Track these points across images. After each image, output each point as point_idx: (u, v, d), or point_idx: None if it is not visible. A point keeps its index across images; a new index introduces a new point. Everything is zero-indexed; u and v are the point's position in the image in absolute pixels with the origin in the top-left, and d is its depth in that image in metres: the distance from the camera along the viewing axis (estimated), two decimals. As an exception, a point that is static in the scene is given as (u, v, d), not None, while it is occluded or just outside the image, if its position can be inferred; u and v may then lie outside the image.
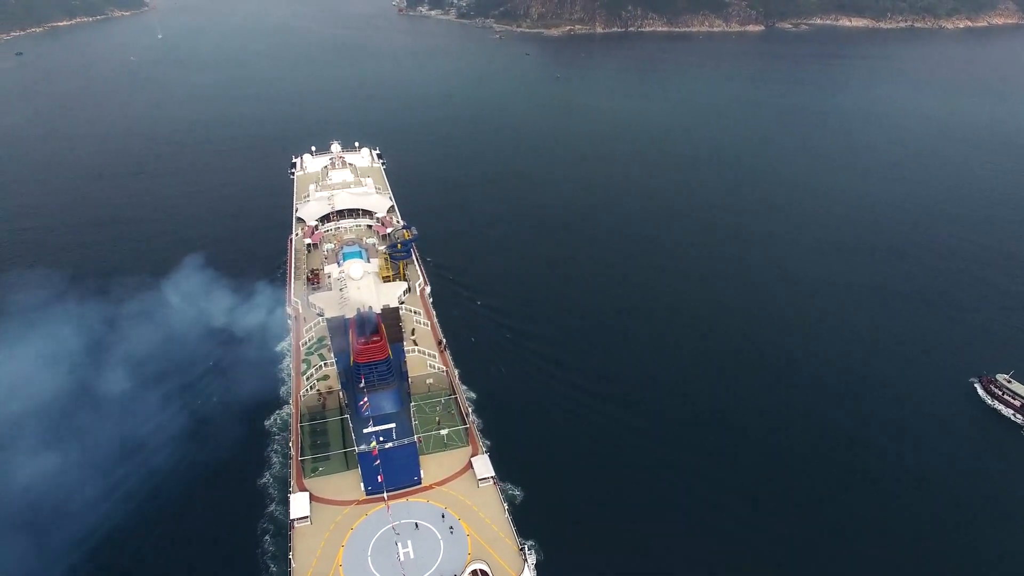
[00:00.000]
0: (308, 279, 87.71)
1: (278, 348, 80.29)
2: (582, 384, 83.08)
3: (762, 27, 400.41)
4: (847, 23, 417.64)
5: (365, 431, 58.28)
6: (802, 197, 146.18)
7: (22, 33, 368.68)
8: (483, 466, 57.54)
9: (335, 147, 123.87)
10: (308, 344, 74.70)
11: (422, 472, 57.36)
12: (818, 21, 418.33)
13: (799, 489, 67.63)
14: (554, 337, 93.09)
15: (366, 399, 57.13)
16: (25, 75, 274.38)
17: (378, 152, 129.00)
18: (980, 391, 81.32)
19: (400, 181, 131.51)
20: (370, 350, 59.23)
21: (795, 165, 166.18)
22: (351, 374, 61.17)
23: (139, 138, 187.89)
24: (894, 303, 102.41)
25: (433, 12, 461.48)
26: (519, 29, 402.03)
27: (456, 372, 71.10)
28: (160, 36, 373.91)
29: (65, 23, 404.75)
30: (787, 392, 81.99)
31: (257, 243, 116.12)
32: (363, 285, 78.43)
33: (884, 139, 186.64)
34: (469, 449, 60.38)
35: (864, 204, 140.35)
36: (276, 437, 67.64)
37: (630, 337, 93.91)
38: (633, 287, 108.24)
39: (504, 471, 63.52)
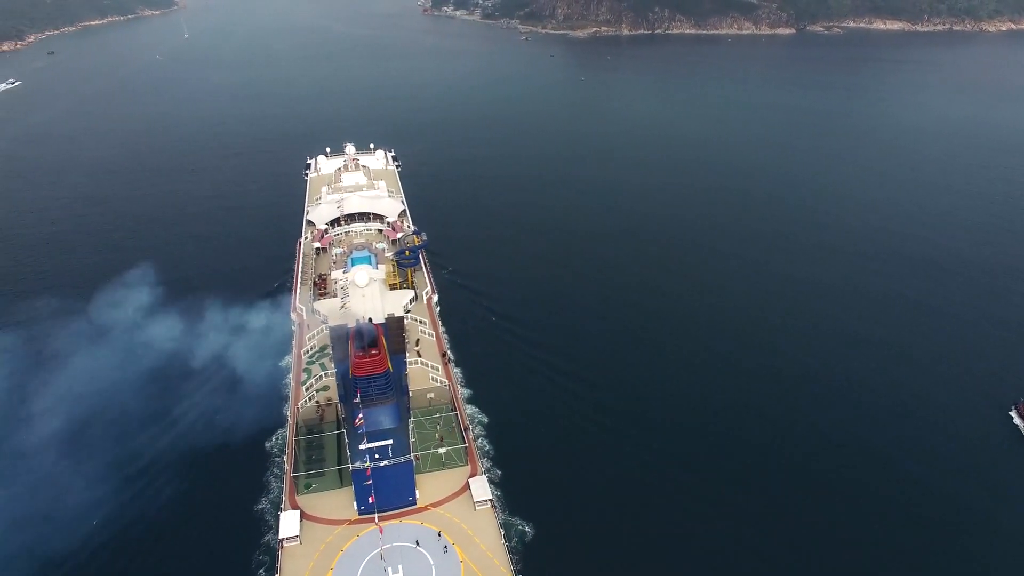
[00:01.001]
0: (315, 284, 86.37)
1: (283, 362, 77.33)
2: (605, 411, 77.10)
3: (792, 30, 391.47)
4: (881, 26, 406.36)
5: (361, 447, 56.45)
6: (835, 207, 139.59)
7: (56, 32, 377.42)
8: (481, 488, 55.15)
9: (349, 149, 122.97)
10: (310, 353, 73.19)
11: (417, 492, 55.30)
12: (851, 24, 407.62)
13: (828, 512, 63.95)
14: (577, 357, 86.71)
15: (361, 415, 55.03)
16: (54, 75, 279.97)
17: (393, 154, 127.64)
18: (1016, 418, 76.57)
19: (416, 184, 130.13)
20: (368, 363, 57.18)
21: (828, 174, 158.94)
22: (349, 386, 59.28)
23: (157, 137, 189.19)
24: (933, 320, 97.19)
25: (458, 12, 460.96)
26: (544, 30, 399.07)
27: (459, 387, 68.98)
28: (186, 36, 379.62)
29: (97, 22, 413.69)
30: (819, 410, 77.83)
31: (268, 246, 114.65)
32: (368, 293, 76.86)
33: (926, 149, 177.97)
34: (468, 469, 58.08)
35: (903, 216, 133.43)
36: (276, 459, 65.11)
37: (663, 359, 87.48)
38: (666, 303, 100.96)
39: (507, 497, 61.36)
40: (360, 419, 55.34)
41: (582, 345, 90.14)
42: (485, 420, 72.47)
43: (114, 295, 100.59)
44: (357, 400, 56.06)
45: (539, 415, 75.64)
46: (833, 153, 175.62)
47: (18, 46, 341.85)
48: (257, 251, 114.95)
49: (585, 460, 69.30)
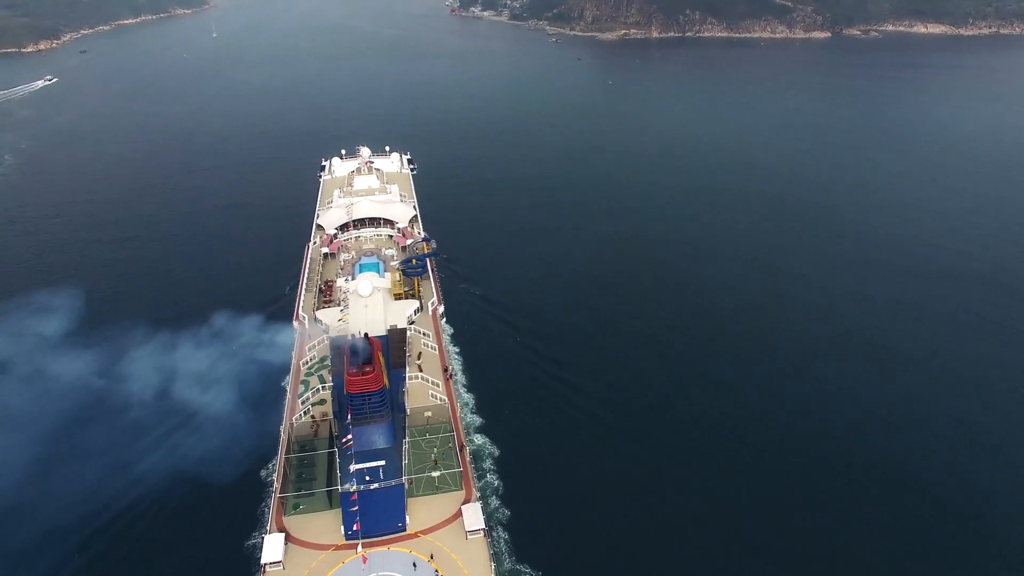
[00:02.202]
0: (321, 291, 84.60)
1: (284, 382, 72.75)
2: (632, 442, 71.60)
3: (828, 34, 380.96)
4: (923, 30, 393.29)
5: (352, 468, 54.25)
6: (873, 216, 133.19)
7: (91, 31, 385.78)
8: (474, 516, 52.42)
9: (364, 151, 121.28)
10: (309, 364, 71.29)
11: (408, 518, 52.80)
12: (890, 27, 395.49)
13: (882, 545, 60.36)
14: (599, 377, 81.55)
15: (349, 436, 52.74)
16: (85, 73, 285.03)
17: (409, 157, 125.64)
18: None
19: (431, 189, 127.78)
20: (362, 381, 54.87)
21: (866, 183, 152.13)
22: (344, 402, 57.08)
23: (177, 137, 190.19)
24: (987, 336, 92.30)
25: (486, 13, 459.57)
26: (572, 32, 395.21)
27: (459, 405, 66.28)
28: (215, 35, 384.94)
29: (130, 21, 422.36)
30: (881, 436, 73.87)
31: (281, 248, 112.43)
32: (371, 303, 74.37)
33: (976, 159, 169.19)
34: (462, 494, 55.37)
35: (953, 230, 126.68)
36: (270, 491, 62.51)
37: (703, 387, 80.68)
38: (704, 322, 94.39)
39: (511, 535, 58.24)
40: (348, 440, 53.11)
41: (606, 365, 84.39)
42: (496, 452, 67.70)
43: (117, 297, 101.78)
44: (347, 421, 53.88)
45: (555, 447, 70.02)
46: (873, 162, 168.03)
47: (54, 44, 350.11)
48: (270, 253, 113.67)
49: (605, 505, 62.82)
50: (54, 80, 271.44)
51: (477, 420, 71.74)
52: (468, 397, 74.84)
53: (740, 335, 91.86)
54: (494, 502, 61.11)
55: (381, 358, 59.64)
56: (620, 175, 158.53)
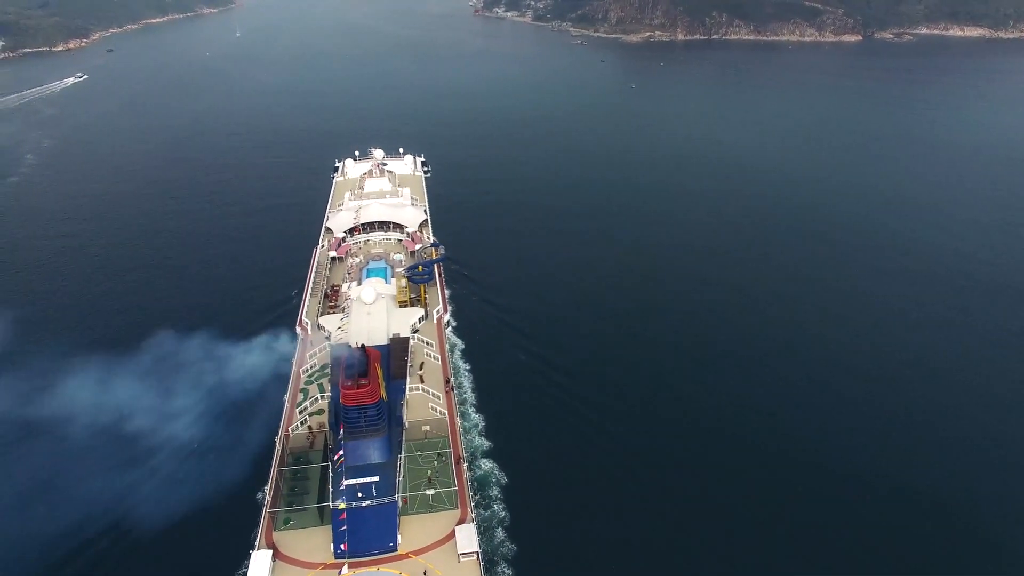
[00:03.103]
0: (326, 296, 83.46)
1: (285, 397, 68.50)
2: (656, 475, 66.31)
3: (859, 37, 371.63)
4: (958, 33, 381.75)
5: (345, 483, 52.74)
6: (907, 227, 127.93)
7: (119, 30, 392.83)
8: (467, 537, 50.41)
9: (378, 153, 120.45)
10: (310, 372, 69.93)
11: (400, 537, 51.03)
12: (924, 31, 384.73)
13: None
14: (616, 395, 77.21)
15: (341, 452, 51.17)
16: (109, 72, 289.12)
17: (423, 160, 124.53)
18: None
19: (445, 192, 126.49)
20: (357, 394, 53.33)
21: (903, 196, 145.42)
22: (340, 414, 55.55)
23: (196, 137, 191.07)
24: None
25: (509, 14, 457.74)
26: (596, 34, 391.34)
27: (459, 420, 64.26)
28: (238, 34, 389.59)
29: (158, 20, 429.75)
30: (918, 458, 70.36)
31: (290, 253, 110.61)
32: (374, 311, 73.11)
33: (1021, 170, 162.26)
34: (457, 514, 53.39)
35: (993, 244, 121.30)
36: (262, 505, 60.65)
37: (741, 415, 75.28)
38: (734, 346, 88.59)
39: (514, 569, 55.44)
40: (340, 456, 51.55)
41: (631, 386, 79.50)
42: (504, 480, 63.82)
43: (119, 297, 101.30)
44: (340, 436, 52.36)
45: (570, 478, 65.20)
46: (909, 171, 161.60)
47: (83, 43, 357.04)
48: (281, 254, 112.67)
49: (627, 555, 58.24)
50: (84, 77, 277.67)
51: (485, 443, 67.97)
52: (477, 418, 71.47)
53: (781, 353, 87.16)
54: (499, 534, 57.83)
55: (379, 370, 58.15)
56: (643, 181, 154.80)
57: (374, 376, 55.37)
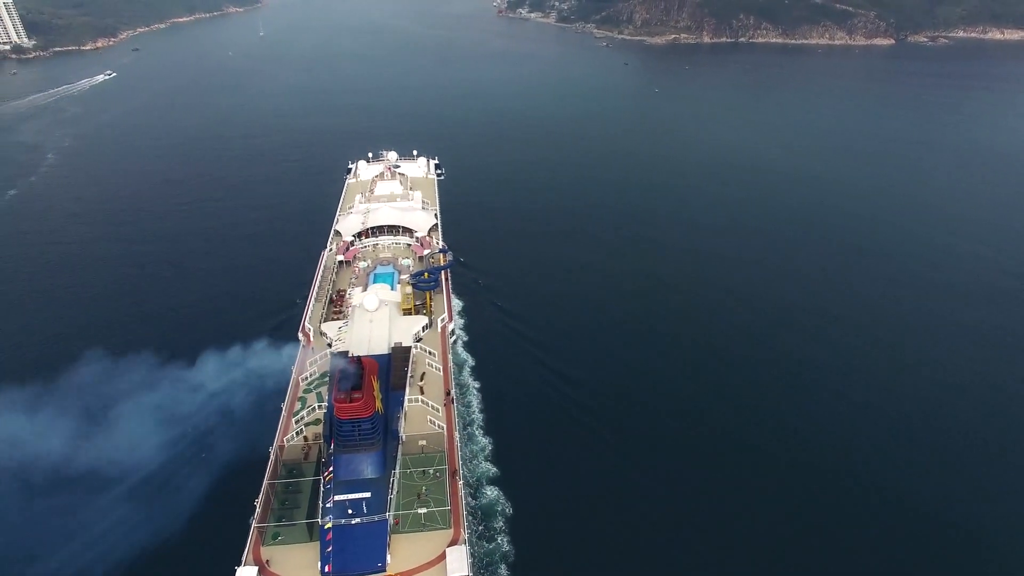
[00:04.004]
0: (332, 301, 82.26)
1: (283, 406, 66.05)
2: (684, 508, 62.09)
3: (891, 41, 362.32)
4: (998, 36, 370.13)
5: (336, 499, 51.26)
6: (945, 241, 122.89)
7: (147, 29, 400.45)
8: (458, 560, 48.46)
9: (391, 155, 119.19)
10: (309, 380, 68.65)
11: (389, 557, 49.33)
12: (961, 34, 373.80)
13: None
14: (644, 427, 72.06)
15: (331, 469, 49.66)
16: (132, 72, 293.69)
17: (436, 162, 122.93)
18: None
19: (458, 196, 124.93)
20: (350, 408, 51.81)
21: (936, 206, 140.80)
22: (333, 427, 54.10)
23: (211, 137, 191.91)
24: None
25: (533, 15, 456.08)
26: (620, 36, 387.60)
27: (457, 435, 62.31)
28: (262, 33, 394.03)
29: (185, 19, 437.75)
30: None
31: (300, 255, 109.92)
32: (376, 318, 71.63)
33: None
34: (449, 534, 51.46)
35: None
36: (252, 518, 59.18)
37: (772, 443, 71.04)
38: (757, 352, 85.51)
39: None
40: (329, 473, 50.07)
41: (655, 404, 75.38)
42: (509, 511, 60.34)
43: (123, 295, 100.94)
44: (330, 451, 50.87)
45: (583, 512, 60.49)
46: (946, 182, 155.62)
47: (111, 42, 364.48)
48: (292, 257, 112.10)
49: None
50: (113, 75, 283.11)
51: (491, 470, 64.78)
52: (484, 441, 68.65)
53: (825, 375, 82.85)
54: (502, 572, 55.41)
55: (375, 382, 56.63)
56: (664, 187, 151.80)
57: (369, 389, 53.77)
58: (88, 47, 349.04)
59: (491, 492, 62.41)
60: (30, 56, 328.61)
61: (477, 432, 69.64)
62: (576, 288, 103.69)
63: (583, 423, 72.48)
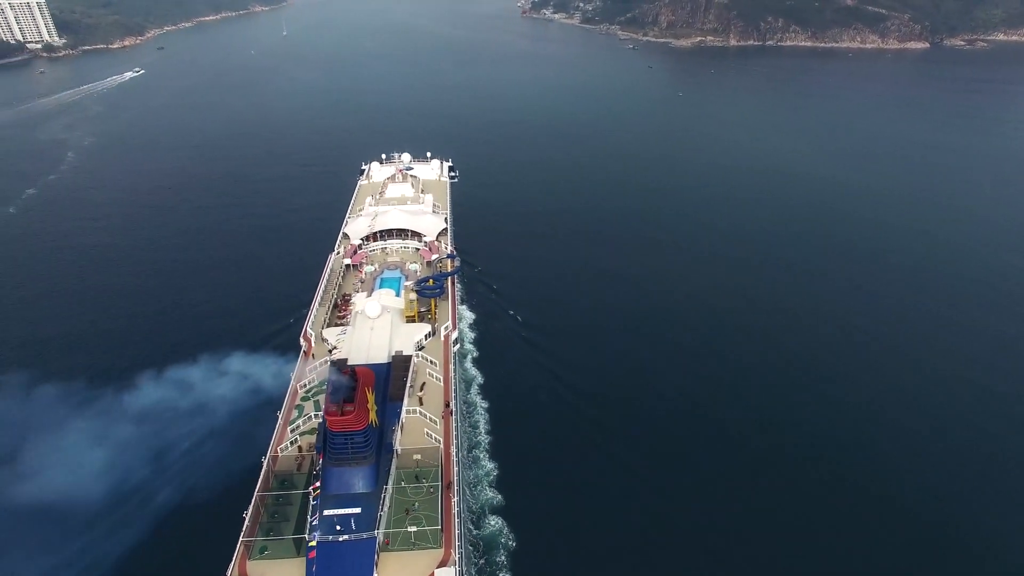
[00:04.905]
0: (336, 306, 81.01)
1: (279, 414, 64.99)
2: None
3: (925, 44, 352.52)
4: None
5: (324, 513, 49.68)
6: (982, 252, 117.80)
7: (173, 28, 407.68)
8: (446, 582, 46.66)
9: (405, 157, 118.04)
10: (308, 387, 67.33)
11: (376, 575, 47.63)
12: (1001, 37, 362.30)
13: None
14: (665, 455, 66.89)
15: (317, 484, 48.09)
16: (158, 71, 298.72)
17: (450, 164, 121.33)
18: None
19: (472, 200, 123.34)
20: (342, 421, 50.19)
21: (976, 217, 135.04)
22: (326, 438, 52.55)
23: (228, 138, 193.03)
24: None
25: (557, 15, 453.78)
26: (645, 38, 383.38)
27: (455, 448, 60.35)
28: (285, 33, 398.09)
29: (211, 18, 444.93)
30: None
31: (309, 259, 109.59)
32: (378, 326, 70.10)
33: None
34: (440, 554, 49.59)
35: None
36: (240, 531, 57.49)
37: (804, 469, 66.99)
38: (789, 373, 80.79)
39: None
40: (316, 488, 48.53)
41: (677, 428, 70.58)
42: (512, 544, 56.90)
43: (128, 295, 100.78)
44: (318, 467, 49.30)
45: (594, 548, 56.13)
46: (978, 191, 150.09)
47: (138, 41, 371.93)
48: (301, 259, 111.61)
49: None
50: (141, 72, 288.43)
51: (496, 498, 61.36)
52: (490, 466, 65.52)
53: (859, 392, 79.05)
54: None
55: (370, 394, 54.96)
56: (684, 193, 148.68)
57: (362, 401, 52.05)
58: (115, 45, 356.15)
59: (494, 522, 59.12)
60: (59, 55, 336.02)
61: (482, 455, 66.30)
62: (598, 298, 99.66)
63: (602, 450, 67.09)
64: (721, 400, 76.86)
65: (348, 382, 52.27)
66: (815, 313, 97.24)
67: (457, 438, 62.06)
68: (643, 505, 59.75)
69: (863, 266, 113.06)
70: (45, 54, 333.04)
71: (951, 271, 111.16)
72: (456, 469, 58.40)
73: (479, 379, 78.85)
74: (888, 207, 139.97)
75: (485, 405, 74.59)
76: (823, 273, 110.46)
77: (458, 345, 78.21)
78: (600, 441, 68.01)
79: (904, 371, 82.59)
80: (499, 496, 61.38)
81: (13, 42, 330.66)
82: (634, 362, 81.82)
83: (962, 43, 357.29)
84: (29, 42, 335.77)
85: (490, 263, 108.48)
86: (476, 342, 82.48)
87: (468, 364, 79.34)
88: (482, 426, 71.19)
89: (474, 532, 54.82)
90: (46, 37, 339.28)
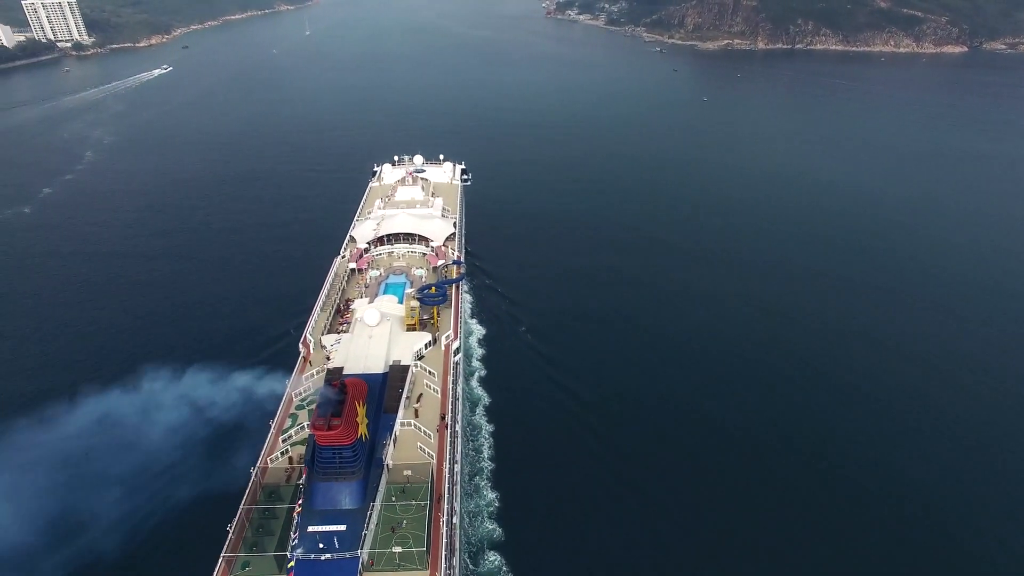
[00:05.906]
0: (338, 311, 79.69)
1: (272, 423, 62.76)
2: None
3: (963, 48, 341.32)
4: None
5: (308, 530, 48.07)
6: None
7: (199, 26, 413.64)
8: (432, 609, 44.67)
9: (417, 159, 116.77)
10: (303, 395, 65.91)
11: (359, 598, 45.83)
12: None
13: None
14: (688, 494, 61.58)
15: (300, 502, 46.48)
16: (182, 70, 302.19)
17: (463, 167, 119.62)
18: None
19: (486, 204, 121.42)
20: (328, 435, 48.55)
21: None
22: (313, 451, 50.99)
23: (246, 136, 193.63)
24: None
25: (582, 17, 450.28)
26: (670, 40, 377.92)
27: (447, 466, 58.36)
28: (308, 32, 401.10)
29: (237, 17, 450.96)
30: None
31: (317, 262, 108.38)
32: (376, 334, 68.41)
33: None
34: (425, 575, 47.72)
35: None
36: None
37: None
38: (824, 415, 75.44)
39: None
40: (299, 507, 46.95)
41: (702, 459, 65.85)
42: None
43: (133, 295, 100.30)
44: (301, 481, 47.71)
45: None
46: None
47: (164, 39, 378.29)
48: (309, 262, 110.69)
49: None
50: (169, 69, 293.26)
51: (496, 531, 58.27)
52: (491, 496, 62.51)
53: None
54: None
55: (360, 407, 53.25)
56: (704, 207, 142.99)
57: (351, 414, 50.29)
58: (142, 44, 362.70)
59: (493, 559, 56.22)
60: (88, 53, 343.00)
61: (484, 485, 63.06)
62: (620, 312, 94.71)
63: (618, 484, 61.76)
64: (765, 429, 71.99)
65: (336, 395, 50.59)
66: (862, 335, 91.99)
67: (451, 453, 60.04)
68: (663, 552, 55.82)
69: (901, 276, 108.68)
70: (74, 53, 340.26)
71: (992, 284, 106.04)
72: (447, 485, 56.48)
73: (485, 400, 75.74)
74: (925, 217, 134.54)
75: (491, 428, 71.23)
76: (865, 287, 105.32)
77: (459, 355, 76.20)
78: (616, 474, 62.90)
79: (930, 382, 79.88)
80: (500, 530, 57.92)
81: (44, 41, 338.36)
82: (664, 388, 75.59)
83: (1003, 47, 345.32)
84: (59, 41, 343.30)
85: (502, 270, 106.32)
86: (485, 359, 79.44)
87: (475, 383, 76.73)
88: (486, 451, 68.02)
89: (470, 567, 51.88)
90: (76, 36, 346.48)
